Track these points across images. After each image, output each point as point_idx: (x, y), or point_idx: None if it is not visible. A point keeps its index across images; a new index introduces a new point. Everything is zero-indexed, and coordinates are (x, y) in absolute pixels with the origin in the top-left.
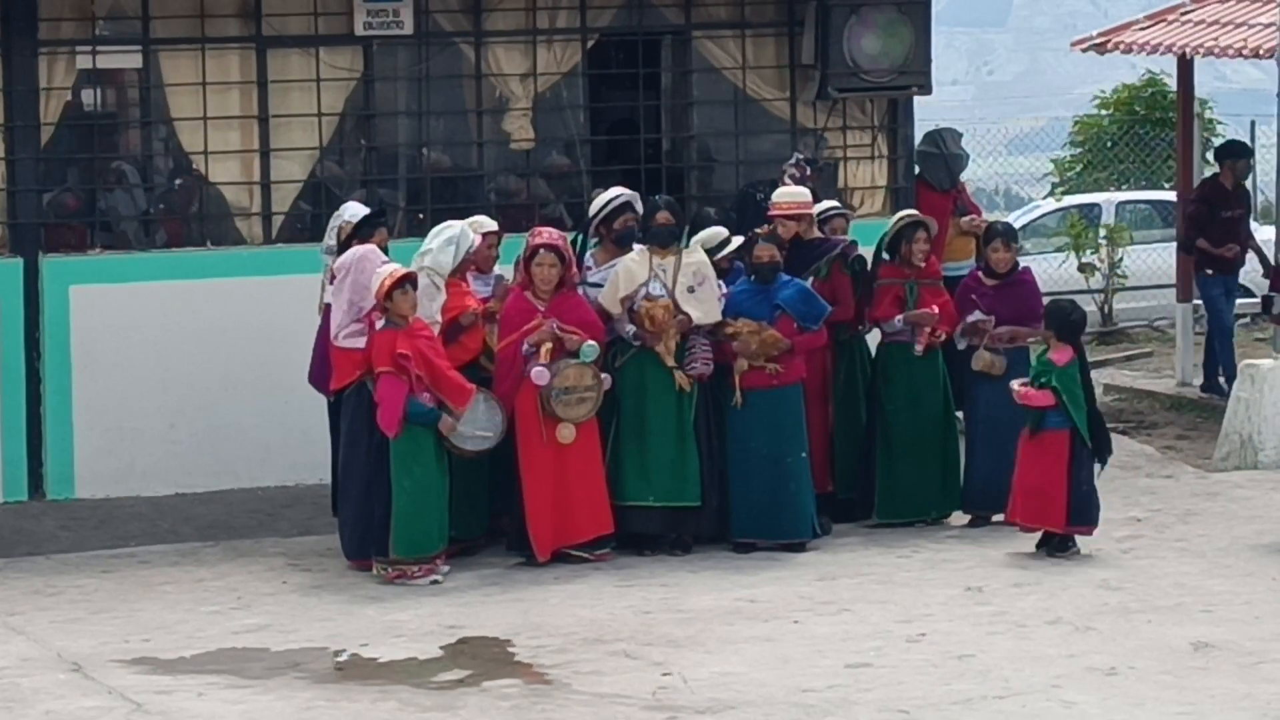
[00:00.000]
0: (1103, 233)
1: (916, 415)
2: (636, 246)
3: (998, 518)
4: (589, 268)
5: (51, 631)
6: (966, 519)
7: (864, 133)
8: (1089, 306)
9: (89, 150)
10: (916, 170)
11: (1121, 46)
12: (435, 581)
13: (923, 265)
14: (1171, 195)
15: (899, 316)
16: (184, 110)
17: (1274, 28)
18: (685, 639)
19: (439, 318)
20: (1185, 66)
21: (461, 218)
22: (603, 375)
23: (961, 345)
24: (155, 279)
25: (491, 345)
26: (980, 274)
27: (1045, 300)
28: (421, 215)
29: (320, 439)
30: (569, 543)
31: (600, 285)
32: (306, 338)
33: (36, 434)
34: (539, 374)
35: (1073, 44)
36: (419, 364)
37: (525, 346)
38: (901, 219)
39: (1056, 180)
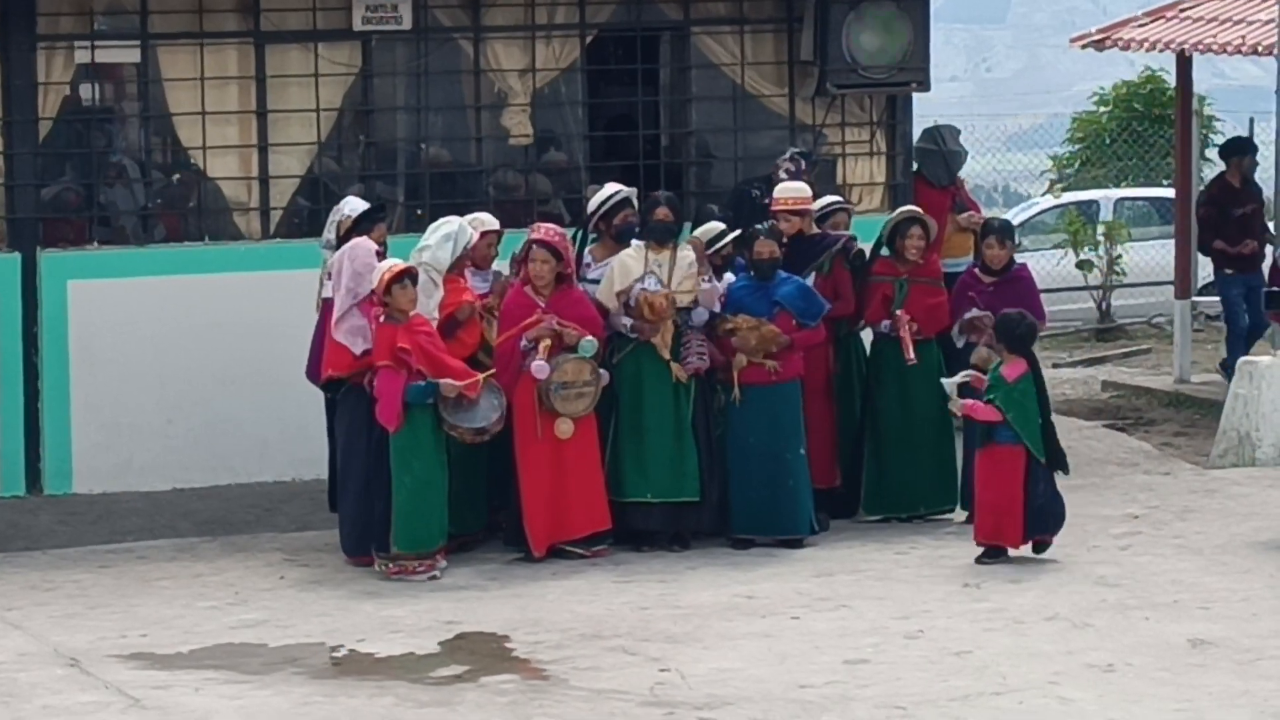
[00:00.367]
0: (1101, 229)
1: (908, 411)
2: (634, 242)
3: None
4: (587, 264)
5: (49, 626)
6: (964, 516)
7: (863, 129)
8: (1087, 303)
9: (87, 145)
10: (915, 167)
11: (1120, 43)
12: (434, 577)
13: (919, 261)
14: (1170, 192)
15: (885, 322)
16: (182, 105)
17: (1273, 24)
18: (683, 635)
19: (436, 314)
20: (1184, 63)
21: (460, 213)
22: (601, 372)
23: (960, 343)
24: (153, 274)
25: (490, 340)
26: (977, 271)
27: (1042, 297)
28: (420, 211)
29: (318, 434)
30: (565, 538)
31: (598, 282)
32: (304, 333)
33: (34, 429)
34: (538, 368)
35: (1071, 40)
36: (419, 358)
37: (524, 342)
38: (900, 214)
39: (1055, 177)
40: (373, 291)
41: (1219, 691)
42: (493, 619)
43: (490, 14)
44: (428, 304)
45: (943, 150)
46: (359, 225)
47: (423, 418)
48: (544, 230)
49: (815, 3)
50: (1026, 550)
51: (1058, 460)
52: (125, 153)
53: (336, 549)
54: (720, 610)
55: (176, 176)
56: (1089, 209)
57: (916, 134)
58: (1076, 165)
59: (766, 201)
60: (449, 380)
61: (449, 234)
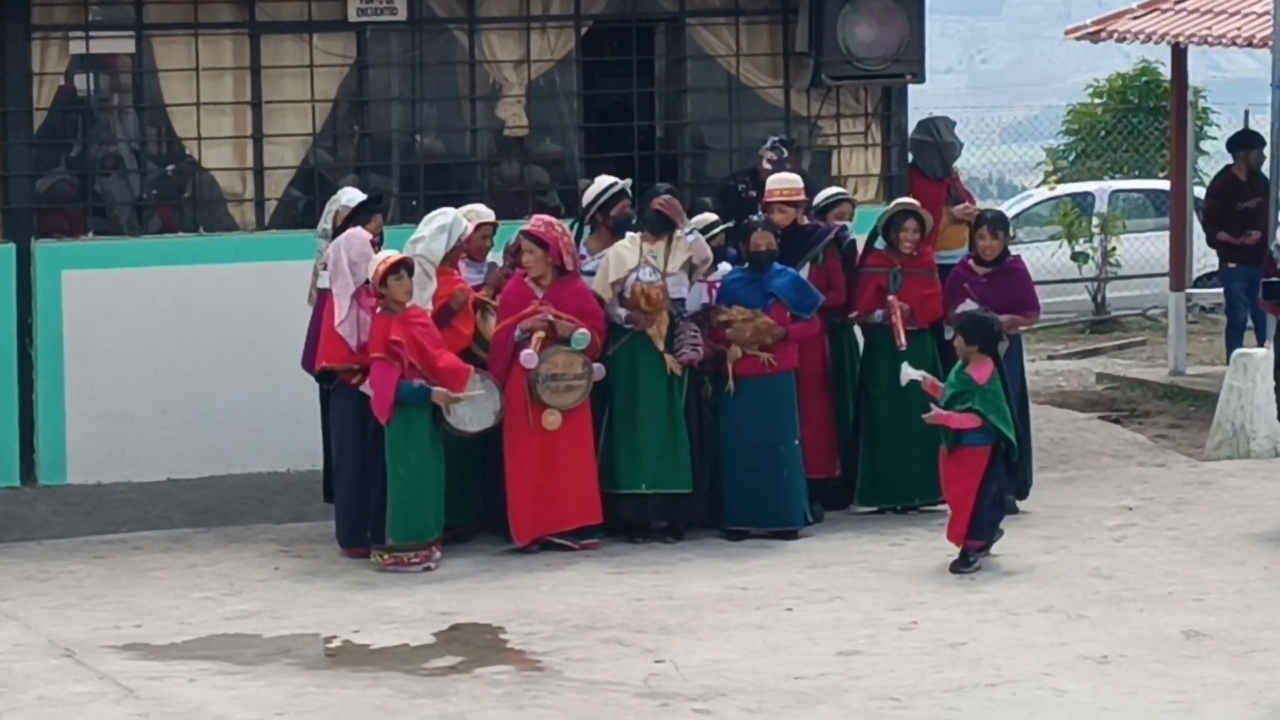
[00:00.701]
0: (1096, 221)
1: (903, 403)
2: (629, 233)
3: None
4: (583, 256)
5: (43, 617)
6: None
7: (858, 121)
8: (1082, 295)
9: (82, 136)
10: (910, 158)
11: (1115, 35)
12: (429, 568)
13: (913, 254)
14: (1165, 184)
15: (878, 311)
16: (177, 96)
17: (1268, 16)
18: (677, 626)
19: (430, 306)
20: (1179, 55)
21: (455, 204)
22: (596, 365)
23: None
24: (148, 265)
25: (484, 332)
26: (970, 263)
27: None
28: (415, 202)
29: (313, 425)
30: (553, 530)
31: (593, 274)
32: (299, 323)
33: (28, 419)
34: (527, 357)
35: (1066, 32)
36: (412, 351)
37: (518, 333)
38: (895, 206)
39: (1050, 168)
40: (367, 282)
41: (1213, 683)
42: (487, 610)
43: (485, 5)
44: (421, 296)
45: (938, 142)
46: (356, 216)
47: (418, 409)
48: (533, 222)
49: None
50: (1020, 538)
51: (1017, 463)
52: (120, 143)
53: (331, 540)
54: (714, 601)
55: (171, 167)
56: (1084, 201)
57: (912, 125)
58: (1071, 157)
59: (753, 194)
60: (442, 390)
61: (443, 226)
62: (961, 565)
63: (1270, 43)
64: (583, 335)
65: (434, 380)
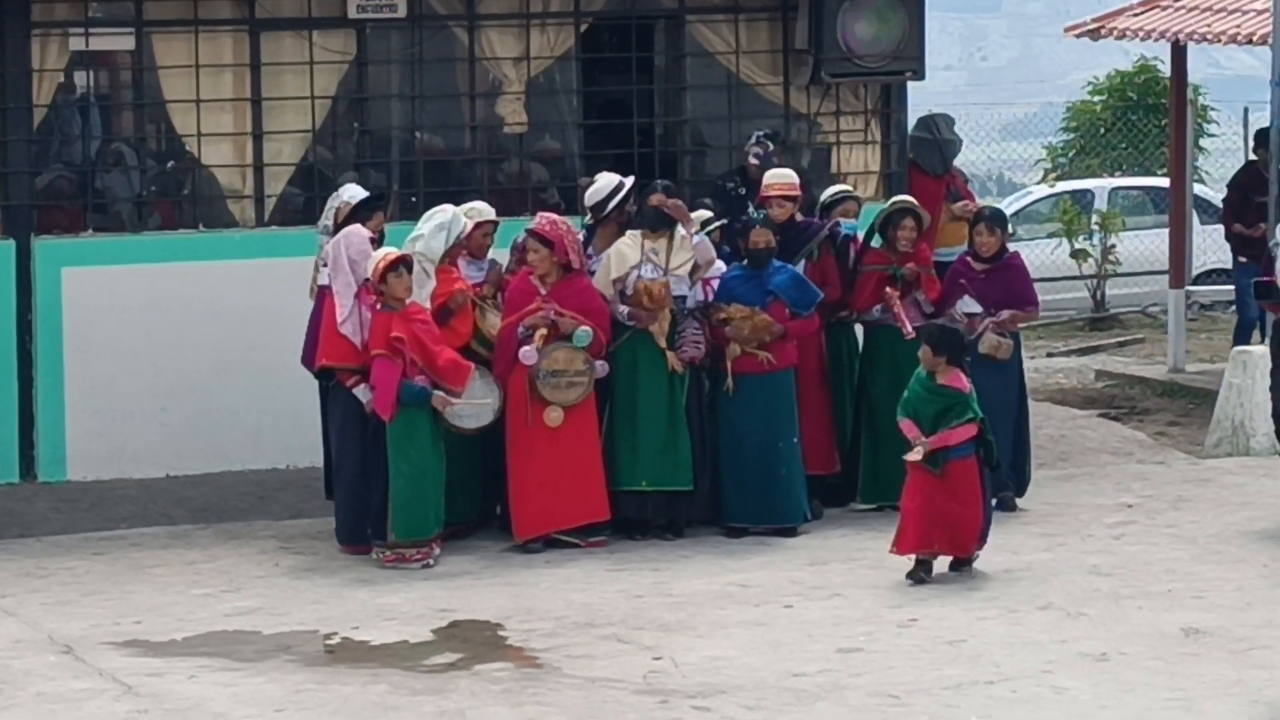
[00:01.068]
0: (1095, 219)
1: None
2: (629, 231)
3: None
4: (590, 255)
5: (43, 613)
6: None
7: (857, 118)
8: (1081, 293)
9: (82, 133)
10: (910, 155)
11: (1115, 32)
12: (429, 565)
13: (909, 251)
14: (1164, 182)
15: (876, 306)
16: (177, 92)
17: (1268, 13)
18: (676, 623)
19: (429, 304)
20: (1179, 52)
21: (454, 201)
22: (598, 363)
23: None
24: (147, 261)
25: (483, 330)
26: (969, 259)
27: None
28: (414, 199)
29: (312, 422)
30: (556, 527)
31: (595, 272)
32: (299, 320)
33: (28, 416)
34: (526, 354)
35: (1066, 29)
36: (413, 348)
37: (520, 329)
38: (893, 204)
39: (1049, 166)
40: (367, 280)
41: (1212, 680)
42: (486, 607)
43: (485, 2)
44: (420, 293)
45: (937, 139)
46: (357, 213)
47: (419, 407)
48: (539, 220)
49: None
50: (1020, 535)
51: (991, 455)
52: (120, 140)
53: (330, 536)
54: (713, 599)
55: (171, 164)
56: (1083, 198)
57: (911, 122)
58: (1071, 154)
59: (743, 192)
60: (441, 394)
61: (442, 223)
62: (962, 566)
63: (1270, 40)
64: (585, 332)
65: (435, 376)
